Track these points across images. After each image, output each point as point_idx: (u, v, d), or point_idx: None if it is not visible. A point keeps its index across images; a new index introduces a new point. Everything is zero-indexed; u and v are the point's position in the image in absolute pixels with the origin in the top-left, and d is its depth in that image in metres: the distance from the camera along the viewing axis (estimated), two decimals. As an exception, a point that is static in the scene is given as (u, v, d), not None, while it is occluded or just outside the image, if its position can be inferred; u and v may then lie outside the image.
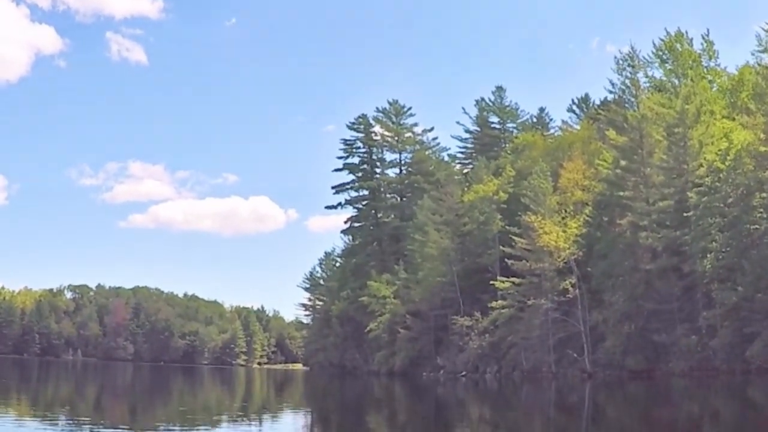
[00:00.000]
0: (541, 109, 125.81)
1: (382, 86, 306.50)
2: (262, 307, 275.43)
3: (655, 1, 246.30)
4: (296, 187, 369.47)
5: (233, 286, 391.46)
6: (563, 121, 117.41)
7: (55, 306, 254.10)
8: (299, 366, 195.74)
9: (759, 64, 70.08)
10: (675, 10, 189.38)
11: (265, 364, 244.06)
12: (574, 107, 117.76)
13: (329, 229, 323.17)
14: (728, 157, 61.80)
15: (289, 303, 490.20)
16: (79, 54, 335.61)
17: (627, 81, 74.70)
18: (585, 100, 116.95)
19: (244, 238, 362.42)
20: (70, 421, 30.98)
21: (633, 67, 74.32)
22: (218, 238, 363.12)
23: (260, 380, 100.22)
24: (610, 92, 79.90)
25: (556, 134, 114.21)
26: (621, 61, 74.25)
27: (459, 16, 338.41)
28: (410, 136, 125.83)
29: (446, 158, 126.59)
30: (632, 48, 74.23)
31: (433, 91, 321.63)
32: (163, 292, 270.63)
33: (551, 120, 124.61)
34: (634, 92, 74.12)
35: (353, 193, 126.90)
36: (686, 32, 79.94)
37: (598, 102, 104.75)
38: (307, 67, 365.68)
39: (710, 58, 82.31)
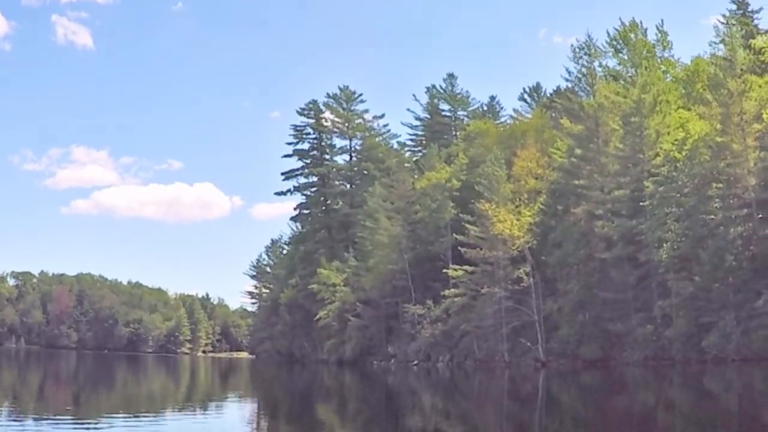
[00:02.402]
0: (492, 98, 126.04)
1: (328, 73, 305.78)
2: (207, 295, 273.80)
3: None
4: (241, 173, 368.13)
5: (177, 274, 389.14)
6: (515, 110, 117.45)
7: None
8: (245, 354, 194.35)
9: (715, 55, 70.22)
10: (618, 3, 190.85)
11: (210, 352, 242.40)
12: (526, 96, 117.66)
13: (273, 217, 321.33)
14: (685, 147, 61.66)
15: (233, 291, 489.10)
16: (25, 37, 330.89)
17: (583, 69, 74.31)
18: (536, 89, 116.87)
19: (189, 225, 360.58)
20: (12, 411, 29.72)
21: (589, 55, 73.99)
22: (162, 224, 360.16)
23: (205, 369, 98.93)
24: (567, 80, 79.68)
25: (506, 123, 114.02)
26: (578, 50, 73.81)
27: (409, 2, 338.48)
28: (360, 123, 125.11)
29: (396, 145, 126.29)
30: (589, 37, 73.91)
31: (382, 78, 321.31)
32: (106, 279, 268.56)
33: (502, 108, 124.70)
34: (590, 81, 73.79)
35: (302, 180, 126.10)
36: (641, 22, 79.68)
37: (550, 91, 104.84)
38: (252, 53, 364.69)
39: (664, 49, 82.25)
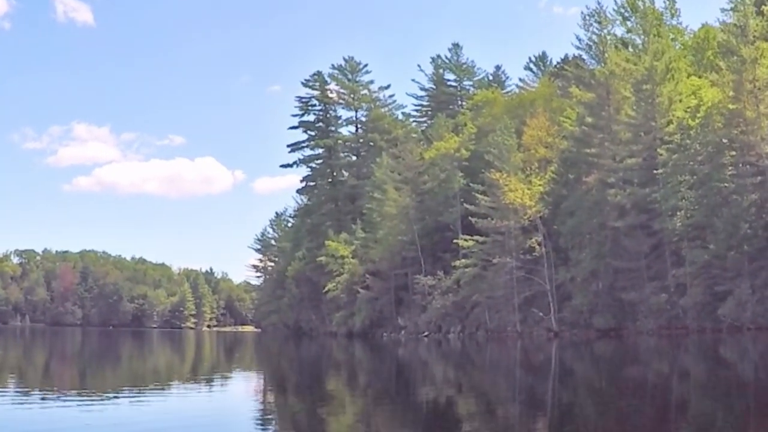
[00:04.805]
0: (498, 67, 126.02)
1: (329, 45, 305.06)
2: (211, 270, 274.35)
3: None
4: (243, 148, 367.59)
5: (181, 249, 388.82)
6: (521, 79, 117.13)
7: (2, 271, 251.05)
8: (250, 328, 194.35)
9: (726, 23, 69.47)
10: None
11: (215, 326, 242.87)
12: (532, 65, 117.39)
13: (276, 191, 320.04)
14: (698, 115, 61.27)
15: (237, 265, 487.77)
16: (25, 15, 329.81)
17: (594, 37, 73.62)
18: (542, 58, 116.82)
19: (191, 200, 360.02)
20: (19, 389, 29.42)
21: (600, 23, 73.22)
22: (165, 200, 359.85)
23: (210, 343, 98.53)
24: (577, 48, 78.68)
25: (512, 92, 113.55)
26: (588, 17, 73.12)
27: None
28: (366, 94, 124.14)
29: (401, 116, 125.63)
30: (599, 4, 73.18)
31: (386, 49, 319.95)
32: (110, 255, 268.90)
33: (507, 78, 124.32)
34: (601, 48, 73.10)
35: (308, 152, 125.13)
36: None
37: (555, 60, 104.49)
38: (252, 27, 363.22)
39: (672, 16, 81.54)
